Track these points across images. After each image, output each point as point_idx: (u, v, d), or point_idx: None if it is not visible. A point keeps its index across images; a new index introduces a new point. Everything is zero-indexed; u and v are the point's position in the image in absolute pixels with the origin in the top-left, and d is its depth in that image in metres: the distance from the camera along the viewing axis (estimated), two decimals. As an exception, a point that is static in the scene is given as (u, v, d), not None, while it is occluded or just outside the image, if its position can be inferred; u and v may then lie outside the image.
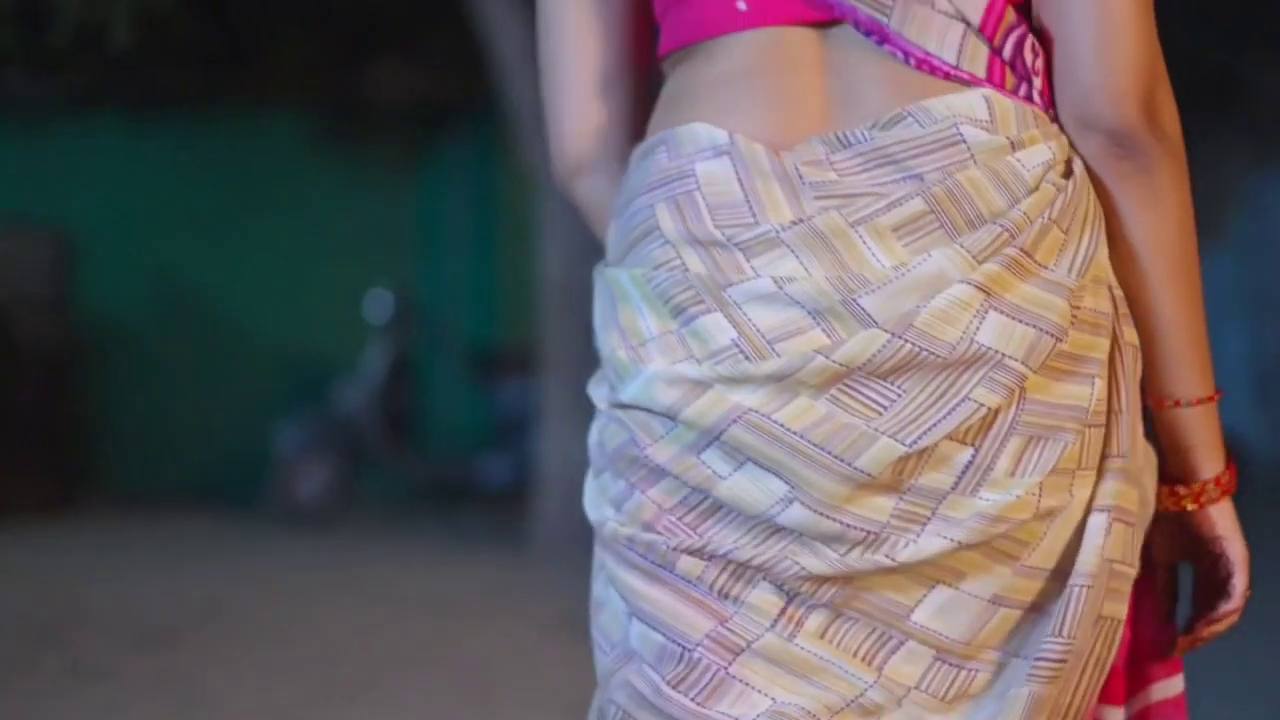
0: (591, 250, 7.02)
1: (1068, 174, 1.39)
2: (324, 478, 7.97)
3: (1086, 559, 1.34)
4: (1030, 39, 1.40)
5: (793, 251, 1.35)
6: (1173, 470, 1.47)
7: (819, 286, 1.33)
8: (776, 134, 1.39)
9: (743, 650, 1.36)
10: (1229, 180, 9.98)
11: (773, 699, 1.35)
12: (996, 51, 1.39)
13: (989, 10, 1.39)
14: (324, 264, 9.88)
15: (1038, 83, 1.40)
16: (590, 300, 7.00)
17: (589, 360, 7.24)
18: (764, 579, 1.35)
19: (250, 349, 9.72)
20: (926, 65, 1.38)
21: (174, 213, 9.78)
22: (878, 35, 1.38)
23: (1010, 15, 1.39)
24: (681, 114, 1.43)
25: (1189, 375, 1.43)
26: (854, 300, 1.33)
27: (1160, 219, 1.40)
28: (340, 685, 4.67)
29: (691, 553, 1.36)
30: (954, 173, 1.34)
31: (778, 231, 1.35)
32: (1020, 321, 1.33)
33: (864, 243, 1.34)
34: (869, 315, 1.33)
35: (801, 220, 1.35)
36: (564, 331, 7.10)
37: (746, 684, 1.35)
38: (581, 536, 6.91)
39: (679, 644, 1.37)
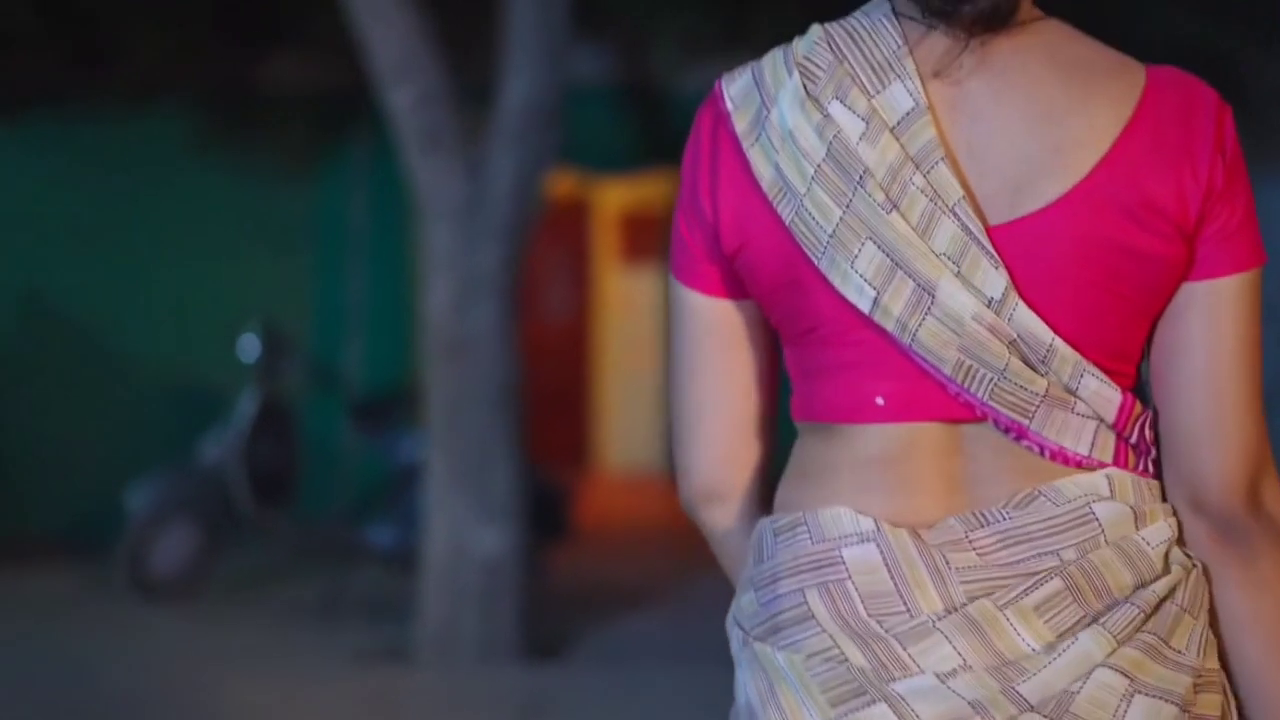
0: (482, 287, 5.95)
1: (1186, 553, 1.54)
2: (182, 544, 7.25)
3: None
4: (1149, 415, 1.55)
5: (948, 639, 1.47)
6: None
7: (980, 679, 1.46)
8: (915, 515, 1.51)
9: None
10: None
11: None
12: (1124, 439, 1.54)
13: (1122, 408, 1.52)
14: (212, 280, 9.24)
15: (1153, 452, 1.56)
16: (481, 346, 6.06)
17: (479, 414, 6.42)
18: None
19: (130, 377, 9.12)
20: (1060, 457, 1.51)
21: (40, 225, 9.13)
22: (1016, 433, 1.50)
23: (1138, 408, 1.54)
24: (819, 492, 1.54)
25: None
26: (1013, 689, 1.46)
27: (1260, 600, 1.52)
28: None
29: None
30: (1088, 551, 1.49)
31: (933, 621, 1.47)
32: (1160, 699, 1.48)
33: (1011, 626, 1.47)
34: (1027, 701, 1.46)
35: (954, 609, 1.47)
36: (451, 380, 6.06)
37: None
38: (468, 632, 5.98)
39: None
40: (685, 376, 1.61)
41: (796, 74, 1.51)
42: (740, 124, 1.54)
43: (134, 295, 9.19)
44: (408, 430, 7.37)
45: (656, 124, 9.70)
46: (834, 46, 1.52)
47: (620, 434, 12.36)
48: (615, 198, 12.07)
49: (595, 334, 12.50)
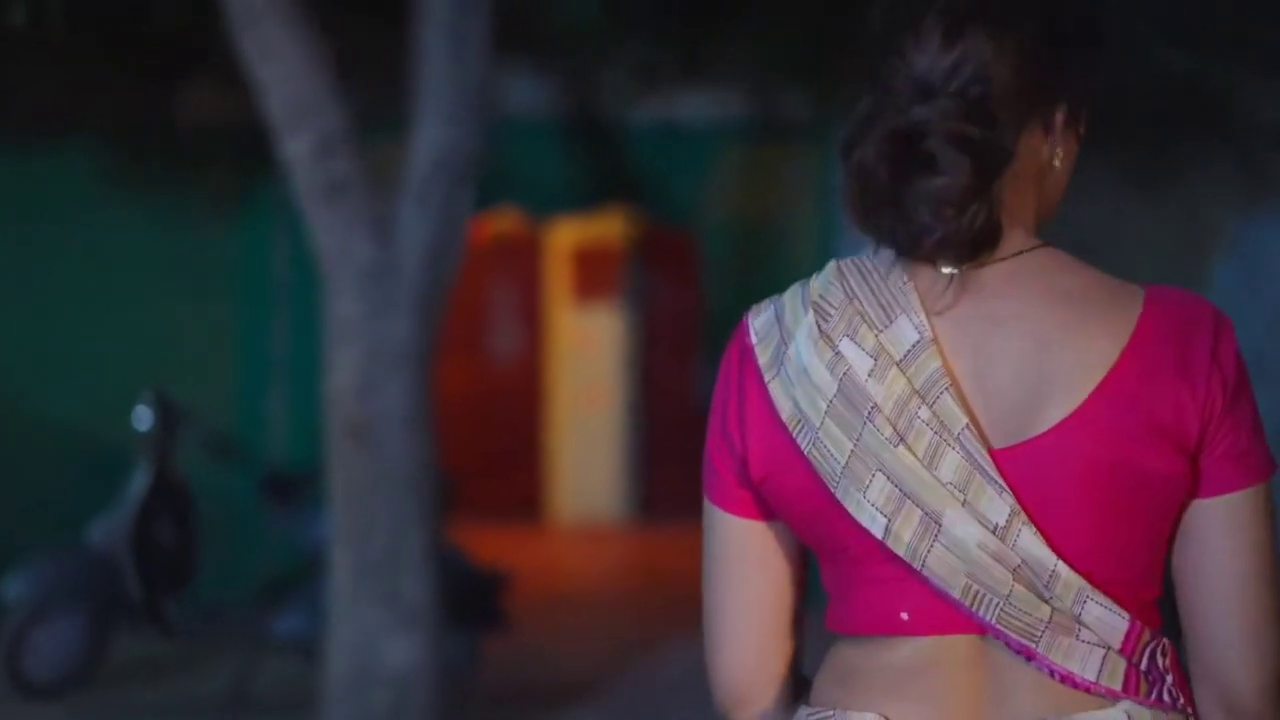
0: (391, 361, 5.27)
1: None
2: (67, 637, 6.63)
3: None
4: (1162, 643, 1.58)
5: None
6: None
7: None
8: None
9: None
10: (1216, 221, 8.93)
11: None
12: (1134, 666, 1.57)
13: (1128, 636, 1.55)
14: (122, 332, 8.68)
15: (1169, 679, 1.59)
16: (390, 427, 5.36)
17: (387, 505, 5.73)
18: None
19: (30, 442, 8.56)
20: (1069, 680, 1.55)
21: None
22: (1026, 654, 1.55)
23: (1147, 635, 1.57)
24: (852, 696, 1.61)
25: None
26: None
27: None
28: None
29: None
30: None
31: None
32: None
33: None
34: None
35: None
36: (356, 465, 5.38)
37: None
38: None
39: None
40: (719, 590, 1.69)
41: (811, 312, 1.59)
42: (763, 358, 1.62)
43: (35, 350, 8.65)
44: (323, 508, 6.67)
45: (608, 159, 9.06)
46: (846, 285, 1.60)
47: (575, 482, 11.79)
48: (568, 234, 11.50)
49: (548, 376, 11.93)
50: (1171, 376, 1.53)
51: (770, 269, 8.96)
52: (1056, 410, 1.53)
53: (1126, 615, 1.54)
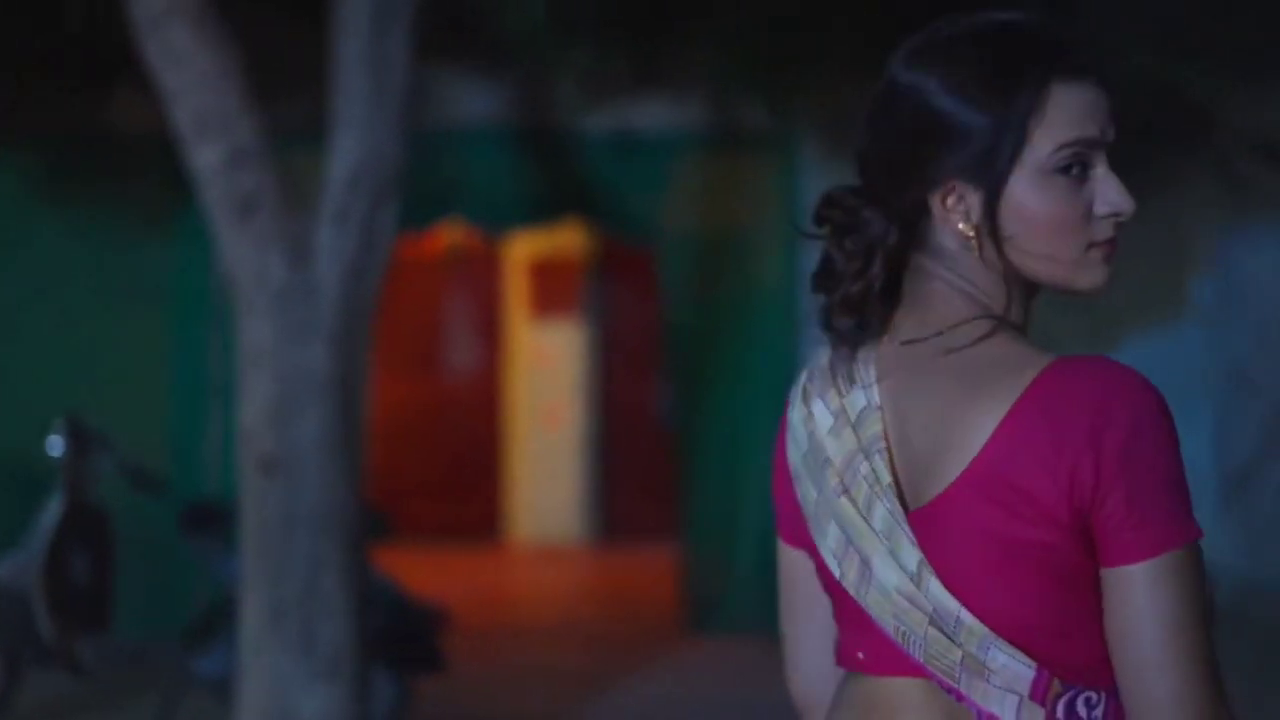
0: (308, 392, 4.92)
1: None
2: None
3: None
4: (1085, 694, 1.65)
5: None
6: None
7: None
8: None
9: None
10: (1197, 236, 8.78)
11: None
12: (1051, 713, 1.64)
13: (1035, 684, 1.63)
14: (51, 348, 8.37)
15: None
16: (306, 462, 4.99)
17: (303, 546, 5.35)
18: None
19: None
20: None
21: None
22: (955, 695, 1.66)
23: (1057, 685, 1.64)
24: None
25: None
26: None
27: None
28: None
29: None
30: None
31: None
32: None
33: None
34: None
35: None
36: (269, 503, 5.01)
37: None
38: None
39: None
40: (785, 615, 1.87)
41: (804, 376, 1.79)
42: (789, 412, 1.82)
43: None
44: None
45: (562, 170, 8.70)
46: (833, 365, 1.76)
47: (533, 503, 11.47)
48: (525, 247, 11.16)
49: (505, 393, 11.60)
50: (1040, 450, 1.59)
51: (733, 282, 8.65)
52: (947, 477, 1.65)
53: (1033, 664, 1.62)
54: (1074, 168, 1.65)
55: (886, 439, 1.69)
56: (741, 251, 8.70)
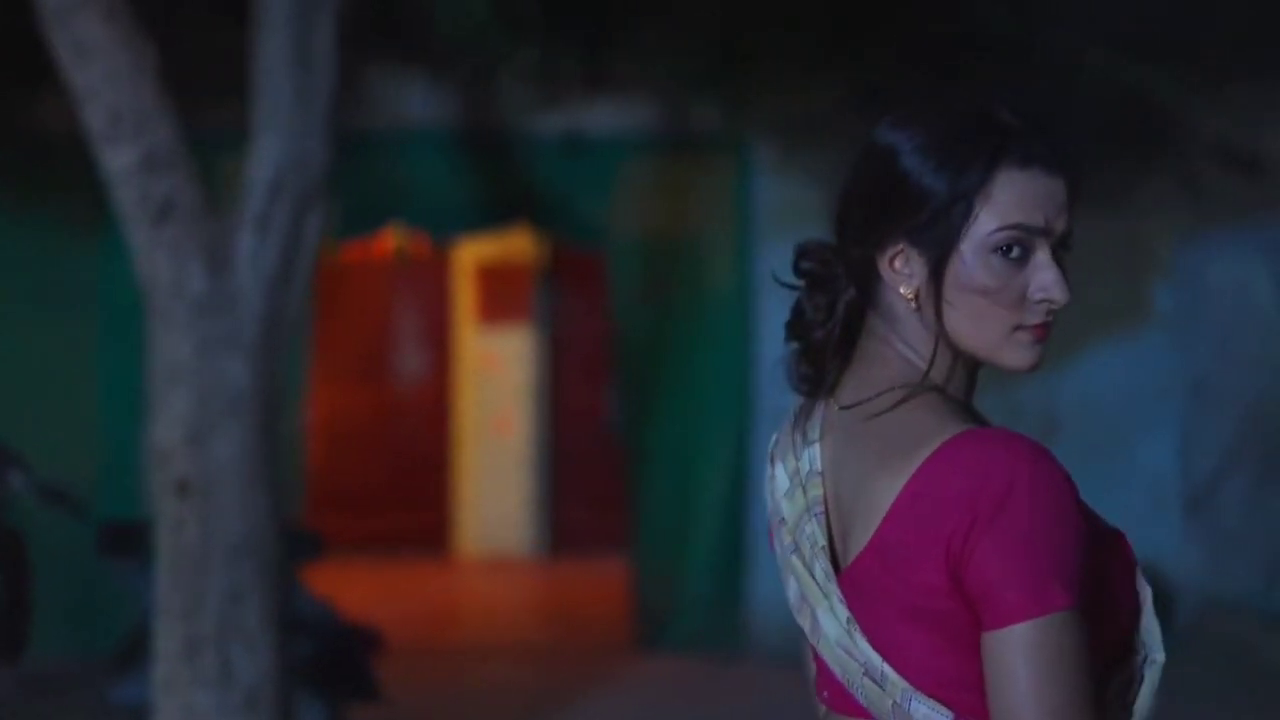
0: (226, 409, 4.65)
1: None
2: None
3: None
4: None
5: None
6: None
7: None
8: None
9: None
10: (1159, 243, 8.65)
11: None
12: None
13: None
14: None
15: None
16: (224, 484, 4.72)
17: (219, 573, 5.06)
18: None
19: None
20: None
21: None
22: None
23: None
24: None
25: None
26: None
27: None
28: None
29: None
30: None
31: None
32: None
33: None
34: None
35: None
36: (183, 527, 4.74)
37: None
38: None
39: None
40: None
41: (774, 437, 1.89)
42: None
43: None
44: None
45: (508, 174, 8.45)
46: (796, 416, 1.87)
47: (482, 514, 11.23)
48: (474, 253, 10.92)
49: (454, 401, 11.35)
50: (924, 522, 1.69)
51: (684, 288, 8.44)
52: (861, 543, 1.75)
53: (950, 713, 1.71)
54: (1014, 249, 1.74)
55: (825, 503, 1.79)
56: (693, 257, 8.50)
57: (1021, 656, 1.63)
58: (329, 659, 5.79)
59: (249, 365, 4.74)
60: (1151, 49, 7.49)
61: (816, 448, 1.80)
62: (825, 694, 1.81)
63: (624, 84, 8.10)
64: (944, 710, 1.70)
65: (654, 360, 8.42)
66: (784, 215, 8.40)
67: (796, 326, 1.82)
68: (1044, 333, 1.76)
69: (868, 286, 1.78)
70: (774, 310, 8.67)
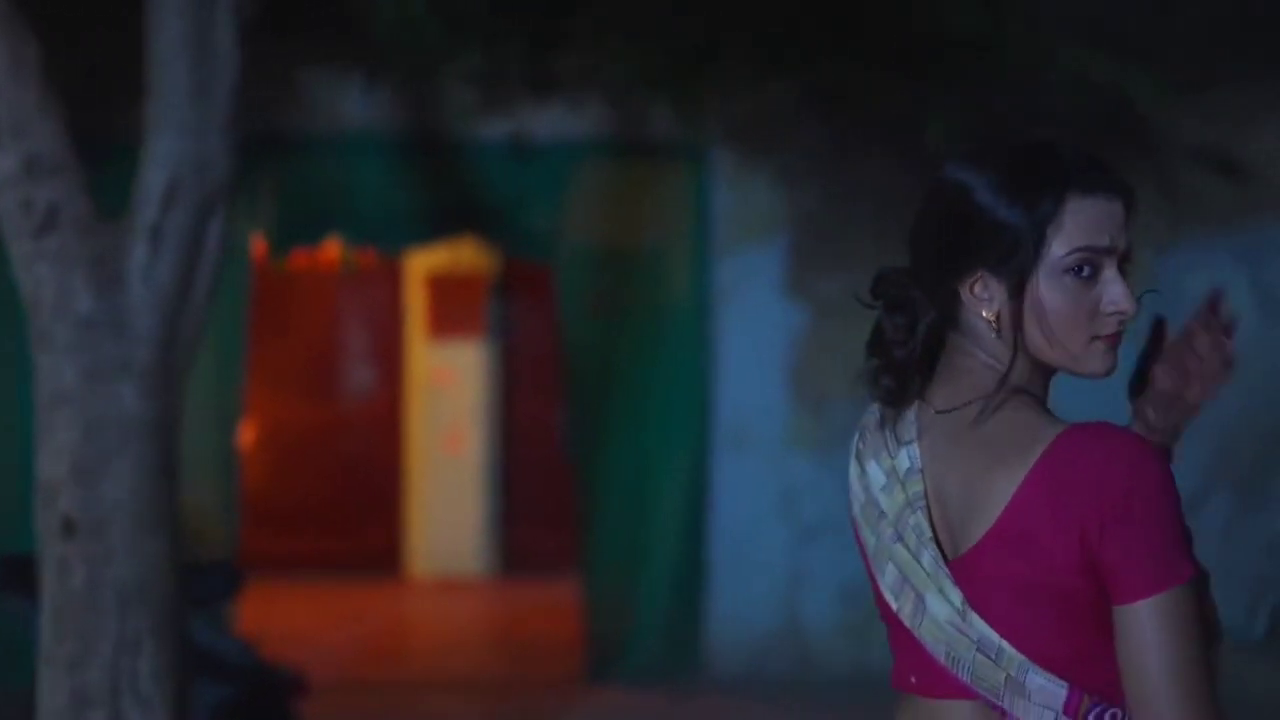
0: (117, 442, 4.24)
1: None
2: None
3: None
4: (1111, 710, 1.92)
5: None
6: None
7: None
8: None
9: None
10: (1136, 250, 8.30)
11: None
12: None
13: (1069, 702, 1.92)
14: None
15: None
16: (114, 523, 4.19)
17: (109, 620, 4.58)
18: None
19: None
20: None
21: None
22: (1000, 712, 1.93)
23: (1086, 701, 1.92)
24: None
25: None
26: None
27: None
28: None
29: None
30: None
31: None
32: None
33: None
34: None
35: None
36: (69, 570, 4.32)
37: None
38: None
39: None
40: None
41: (857, 435, 2.06)
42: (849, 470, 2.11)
43: None
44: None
45: (452, 182, 8.05)
46: (882, 420, 2.03)
47: (434, 533, 10.86)
48: (424, 261, 10.54)
49: (404, 417, 10.97)
50: (1052, 509, 1.88)
51: (638, 301, 8.06)
52: (977, 533, 1.93)
53: (1065, 684, 1.91)
54: (1084, 269, 1.94)
55: (927, 497, 1.97)
56: (648, 268, 8.13)
57: (1156, 625, 1.83)
58: (245, 705, 5.40)
59: (142, 392, 4.31)
60: (1127, 52, 7.28)
61: (914, 448, 1.98)
62: (913, 678, 1.97)
63: (573, 86, 7.73)
64: (1059, 681, 1.90)
65: (607, 376, 8.04)
66: (743, 224, 8.07)
67: (877, 345, 2.00)
68: (1117, 340, 1.95)
69: (949, 310, 1.97)
70: (732, 323, 8.17)
